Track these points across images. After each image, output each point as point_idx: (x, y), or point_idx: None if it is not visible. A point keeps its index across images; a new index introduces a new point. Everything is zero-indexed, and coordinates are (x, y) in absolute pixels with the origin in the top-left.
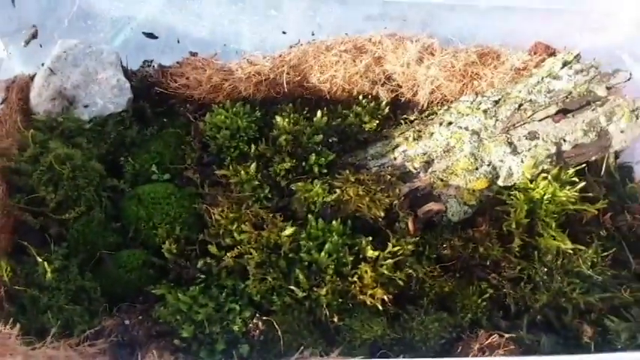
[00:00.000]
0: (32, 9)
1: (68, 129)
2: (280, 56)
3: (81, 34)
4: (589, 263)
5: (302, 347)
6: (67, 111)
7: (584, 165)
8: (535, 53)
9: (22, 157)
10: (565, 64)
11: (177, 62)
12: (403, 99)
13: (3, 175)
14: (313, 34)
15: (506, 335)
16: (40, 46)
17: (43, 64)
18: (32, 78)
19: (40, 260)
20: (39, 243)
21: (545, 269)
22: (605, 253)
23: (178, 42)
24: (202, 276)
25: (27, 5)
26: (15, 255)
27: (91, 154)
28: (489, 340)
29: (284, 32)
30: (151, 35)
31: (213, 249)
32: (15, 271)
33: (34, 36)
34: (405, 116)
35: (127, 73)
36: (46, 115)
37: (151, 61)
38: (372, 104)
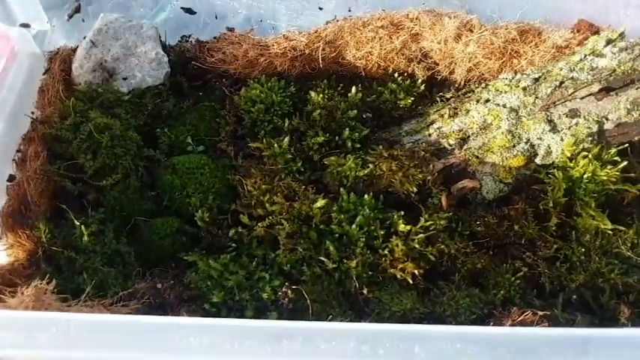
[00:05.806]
0: None
1: (107, 100)
2: (316, 32)
3: (122, 9)
4: (629, 244)
5: (330, 317)
6: (106, 82)
7: (626, 145)
8: (578, 31)
9: (63, 125)
10: (609, 41)
11: (215, 37)
12: (440, 77)
13: (44, 142)
14: (350, 10)
15: (540, 312)
16: (83, 20)
17: (85, 37)
18: (74, 50)
19: (78, 223)
20: (77, 208)
21: (583, 249)
22: None
23: (216, 17)
24: (233, 245)
25: None
26: (53, 219)
27: (129, 124)
28: (522, 317)
29: (320, 8)
30: (189, 10)
31: (244, 219)
32: (53, 233)
33: (77, 10)
34: (441, 94)
35: (166, 48)
36: (87, 85)
37: (189, 36)
38: (408, 82)
